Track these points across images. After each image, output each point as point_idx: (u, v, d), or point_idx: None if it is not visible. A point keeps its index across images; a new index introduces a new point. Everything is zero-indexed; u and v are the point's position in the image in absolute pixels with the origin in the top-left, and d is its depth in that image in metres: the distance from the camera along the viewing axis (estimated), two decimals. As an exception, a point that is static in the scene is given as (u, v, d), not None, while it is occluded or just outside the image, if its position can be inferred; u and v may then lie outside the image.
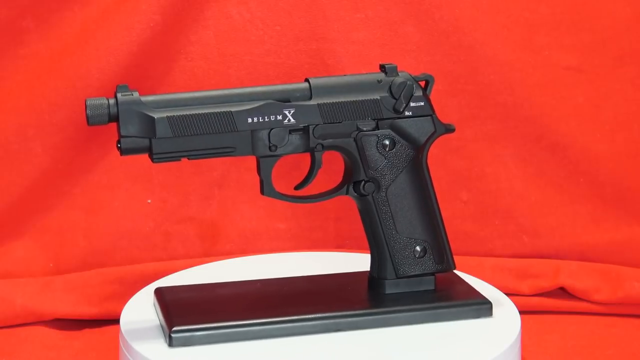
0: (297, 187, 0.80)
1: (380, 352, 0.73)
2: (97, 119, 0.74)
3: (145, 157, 1.00)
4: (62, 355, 0.90)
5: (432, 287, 0.80)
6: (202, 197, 1.03)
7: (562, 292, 1.00)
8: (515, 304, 0.82)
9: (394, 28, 1.00)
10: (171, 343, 0.73)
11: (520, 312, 0.81)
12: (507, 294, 0.86)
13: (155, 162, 0.76)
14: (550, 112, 1.01)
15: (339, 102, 0.77)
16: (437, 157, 0.79)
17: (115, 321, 0.85)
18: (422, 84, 0.79)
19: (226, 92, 0.77)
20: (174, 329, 0.73)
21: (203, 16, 0.99)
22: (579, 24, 1.00)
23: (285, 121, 0.76)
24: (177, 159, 0.76)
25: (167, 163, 1.00)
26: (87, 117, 0.74)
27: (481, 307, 0.78)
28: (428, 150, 0.80)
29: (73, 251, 1.01)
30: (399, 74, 0.78)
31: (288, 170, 0.93)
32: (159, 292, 0.81)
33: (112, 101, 0.74)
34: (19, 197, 0.99)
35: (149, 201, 1.02)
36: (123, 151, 0.75)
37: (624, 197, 1.03)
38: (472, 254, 1.02)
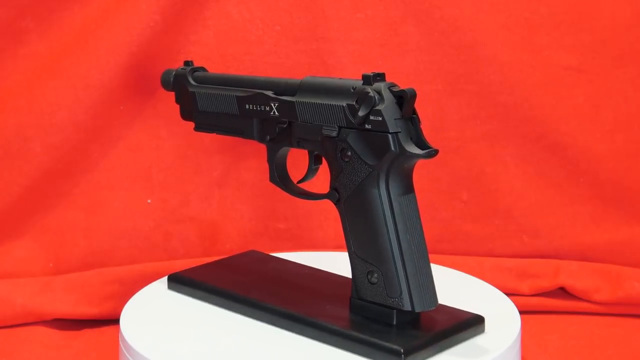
0: (298, 182, 0.81)
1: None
2: (166, 85, 0.86)
3: (144, 157, 1.01)
4: (62, 355, 0.90)
5: (392, 322, 0.71)
6: (202, 197, 1.03)
7: (562, 292, 1.01)
8: (515, 304, 0.82)
9: (393, 28, 1.00)
10: (169, 286, 0.85)
11: (520, 312, 0.81)
12: (507, 294, 0.86)
13: (196, 130, 0.84)
14: (550, 112, 1.01)
15: (312, 102, 0.75)
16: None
17: (115, 321, 0.85)
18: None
19: (254, 79, 0.81)
20: (172, 274, 0.85)
21: (203, 16, 0.99)
22: (579, 24, 1.00)
23: (272, 113, 0.77)
24: (211, 131, 0.84)
25: (167, 163, 1.02)
26: (161, 82, 0.86)
27: (389, 356, 0.69)
28: (403, 174, 0.71)
29: (73, 251, 1.01)
30: (379, 84, 0.70)
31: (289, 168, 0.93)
32: (251, 251, 0.93)
33: (174, 72, 0.86)
34: (19, 197, 0.99)
35: (149, 201, 1.02)
36: (182, 116, 0.86)
37: (624, 197, 1.03)
38: (472, 254, 1.02)
